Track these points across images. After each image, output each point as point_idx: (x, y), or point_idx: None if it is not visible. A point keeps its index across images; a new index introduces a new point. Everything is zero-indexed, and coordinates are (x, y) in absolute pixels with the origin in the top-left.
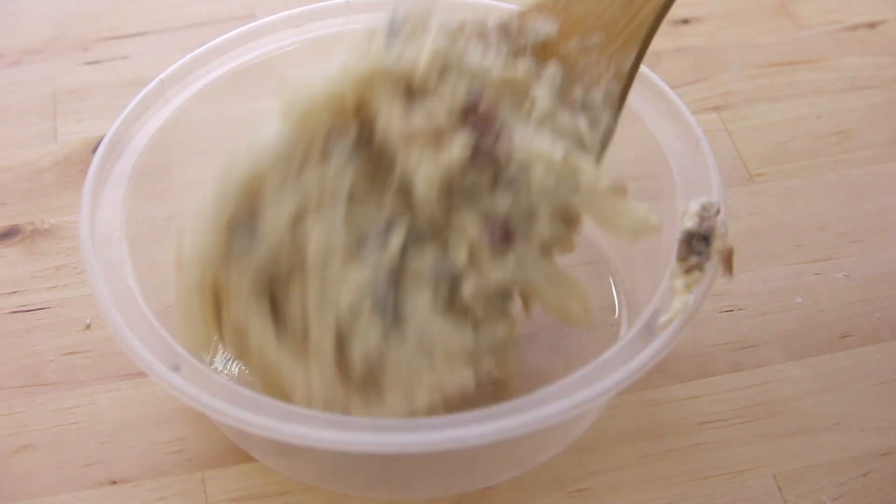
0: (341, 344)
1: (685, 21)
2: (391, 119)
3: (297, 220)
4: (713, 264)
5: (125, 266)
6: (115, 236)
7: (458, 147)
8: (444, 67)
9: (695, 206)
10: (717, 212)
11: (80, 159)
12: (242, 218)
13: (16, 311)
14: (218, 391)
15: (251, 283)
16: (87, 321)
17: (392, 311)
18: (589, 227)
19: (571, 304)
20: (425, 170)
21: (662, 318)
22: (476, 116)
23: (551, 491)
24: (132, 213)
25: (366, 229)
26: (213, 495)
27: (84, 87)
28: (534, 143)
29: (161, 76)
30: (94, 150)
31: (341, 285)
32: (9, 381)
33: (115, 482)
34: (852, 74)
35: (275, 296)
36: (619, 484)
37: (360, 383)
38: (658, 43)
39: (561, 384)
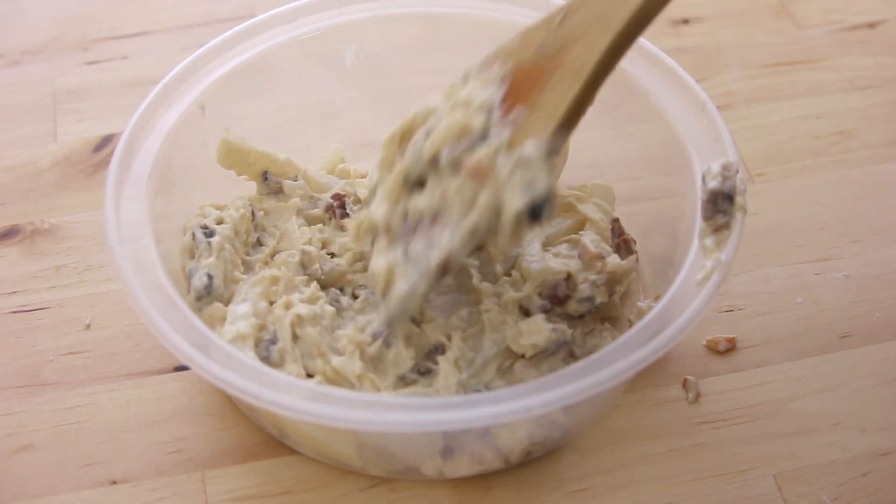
0: None
1: (685, 21)
2: None
3: None
4: (739, 221)
5: (155, 265)
6: (143, 241)
7: None
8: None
9: (716, 167)
10: (737, 171)
11: (80, 159)
12: None
13: (16, 311)
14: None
15: None
16: (87, 321)
17: None
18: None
19: None
20: None
21: (698, 277)
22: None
23: (551, 491)
24: (153, 212)
25: None
26: (213, 495)
27: (84, 87)
28: None
29: (164, 80)
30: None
31: None
32: (9, 381)
33: (115, 482)
34: (852, 74)
35: None
36: (619, 484)
37: None
38: (658, 43)
39: (619, 342)
